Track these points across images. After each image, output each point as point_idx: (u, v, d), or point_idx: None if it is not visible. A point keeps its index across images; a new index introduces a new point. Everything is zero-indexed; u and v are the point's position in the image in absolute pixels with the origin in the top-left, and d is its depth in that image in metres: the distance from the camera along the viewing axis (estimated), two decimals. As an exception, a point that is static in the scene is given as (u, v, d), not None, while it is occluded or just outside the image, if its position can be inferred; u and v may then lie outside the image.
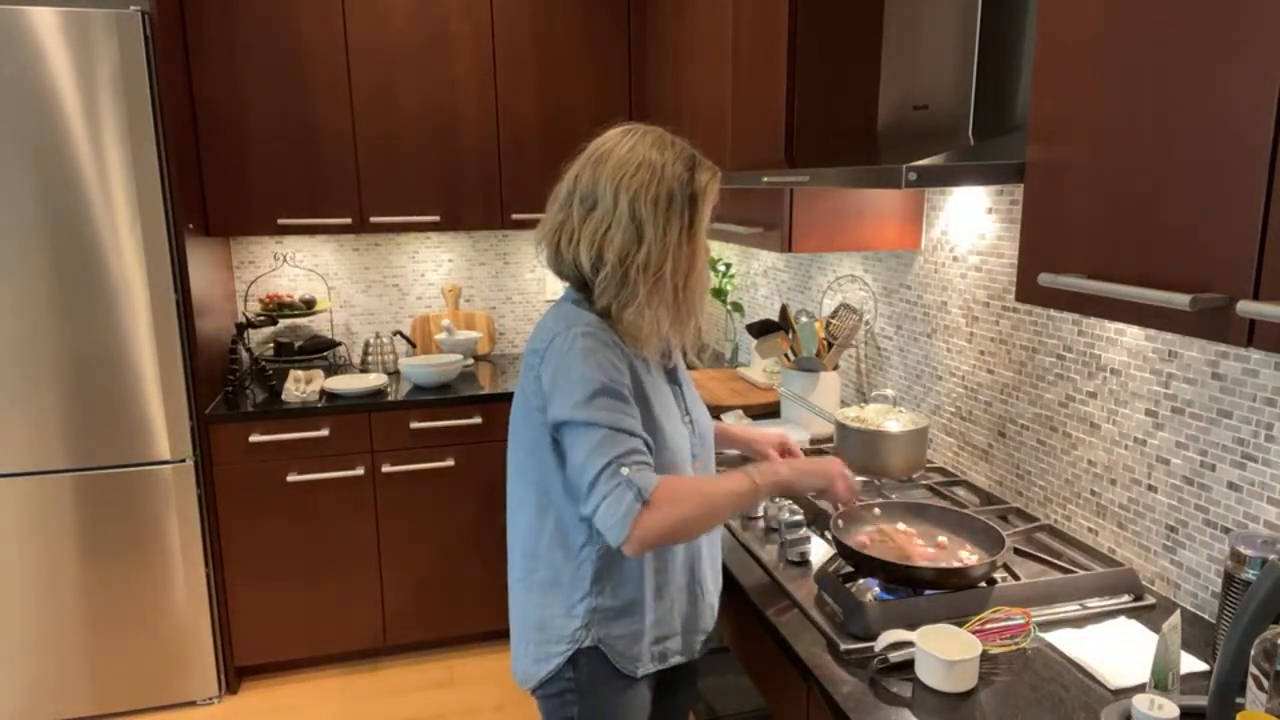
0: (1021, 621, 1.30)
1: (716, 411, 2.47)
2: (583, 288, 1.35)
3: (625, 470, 1.22)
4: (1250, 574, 1.15)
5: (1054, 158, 1.14)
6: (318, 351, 3.17)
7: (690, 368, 1.68)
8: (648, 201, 1.27)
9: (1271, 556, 1.14)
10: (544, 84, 3.08)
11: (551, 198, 1.38)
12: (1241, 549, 1.17)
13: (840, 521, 1.53)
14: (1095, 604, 1.41)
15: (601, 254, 1.29)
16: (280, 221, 2.92)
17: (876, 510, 1.60)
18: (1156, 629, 1.33)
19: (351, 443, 2.81)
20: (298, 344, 3.17)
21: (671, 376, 1.43)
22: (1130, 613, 1.39)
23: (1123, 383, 1.53)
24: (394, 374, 3.17)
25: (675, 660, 1.42)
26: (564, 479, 1.32)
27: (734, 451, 2.15)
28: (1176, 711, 0.99)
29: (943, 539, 1.54)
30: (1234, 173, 0.88)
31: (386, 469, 2.83)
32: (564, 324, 1.30)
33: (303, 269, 3.30)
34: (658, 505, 1.21)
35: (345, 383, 2.90)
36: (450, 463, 2.89)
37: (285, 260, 3.27)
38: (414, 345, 3.37)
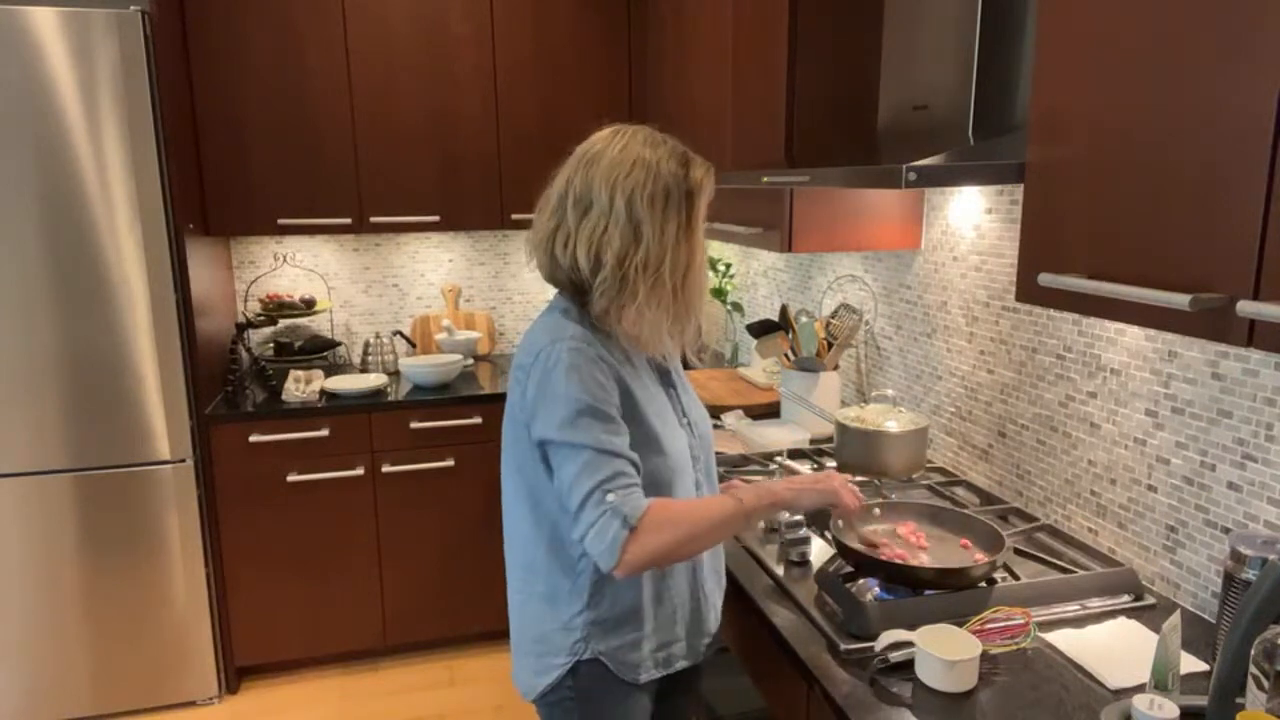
0: (1021, 621, 1.30)
1: (716, 411, 2.47)
2: (578, 292, 1.33)
3: (611, 496, 1.20)
4: (1250, 574, 1.15)
5: (1054, 158, 1.14)
6: (318, 351, 3.17)
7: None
8: (644, 200, 1.25)
9: (1271, 556, 1.14)
10: (544, 84, 3.08)
11: (540, 204, 1.35)
12: (1241, 549, 1.17)
13: (840, 521, 1.53)
14: (1095, 604, 1.41)
15: (600, 256, 1.26)
16: (280, 221, 2.92)
17: (876, 510, 1.60)
18: (1156, 629, 1.33)
19: (351, 443, 2.81)
20: (298, 344, 3.17)
21: (665, 380, 1.41)
22: (1130, 613, 1.39)
23: (1123, 383, 1.53)
24: (394, 374, 3.17)
25: (680, 665, 1.41)
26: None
27: (737, 451, 2.15)
28: (1176, 711, 0.99)
29: (921, 534, 1.56)
30: (1234, 172, 0.88)
31: (386, 469, 2.83)
32: (549, 337, 1.28)
33: (303, 269, 3.30)
34: (645, 531, 1.20)
35: (345, 383, 2.90)
36: (450, 463, 2.89)
37: (285, 260, 3.27)
38: (414, 345, 3.37)
